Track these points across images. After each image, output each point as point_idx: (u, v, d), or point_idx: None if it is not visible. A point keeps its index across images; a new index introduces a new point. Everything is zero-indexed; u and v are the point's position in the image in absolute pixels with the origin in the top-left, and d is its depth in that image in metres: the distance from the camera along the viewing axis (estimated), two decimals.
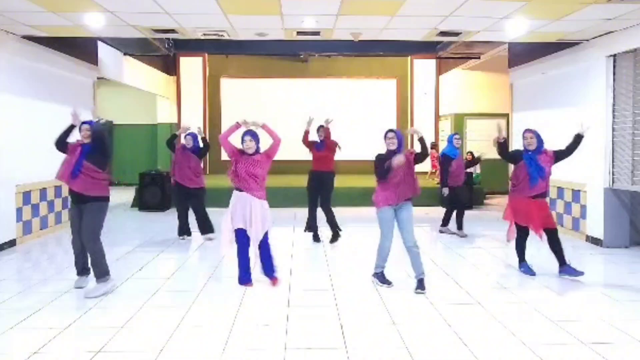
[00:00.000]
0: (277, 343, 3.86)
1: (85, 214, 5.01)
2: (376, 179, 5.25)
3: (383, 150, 5.27)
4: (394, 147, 5.15)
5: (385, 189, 5.16)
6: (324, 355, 3.67)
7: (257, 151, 5.28)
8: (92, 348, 3.74)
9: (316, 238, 7.68)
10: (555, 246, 5.70)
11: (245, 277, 5.32)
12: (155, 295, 5.03)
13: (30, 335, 4.00)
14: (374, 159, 5.28)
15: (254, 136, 5.27)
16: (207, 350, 3.73)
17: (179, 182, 7.67)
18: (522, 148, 5.91)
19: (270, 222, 5.38)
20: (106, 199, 5.15)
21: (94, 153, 5.07)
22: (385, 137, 5.26)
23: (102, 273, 5.06)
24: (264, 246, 5.34)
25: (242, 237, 5.23)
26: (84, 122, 5.18)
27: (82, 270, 5.24)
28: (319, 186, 7.48)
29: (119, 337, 3.96)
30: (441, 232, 8.35)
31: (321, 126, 7.51)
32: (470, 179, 8.21)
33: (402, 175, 5.10)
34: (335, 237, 7.62)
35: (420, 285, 5.15)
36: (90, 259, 5.09)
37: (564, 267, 5.68)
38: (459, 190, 8.10)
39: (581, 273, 5.59)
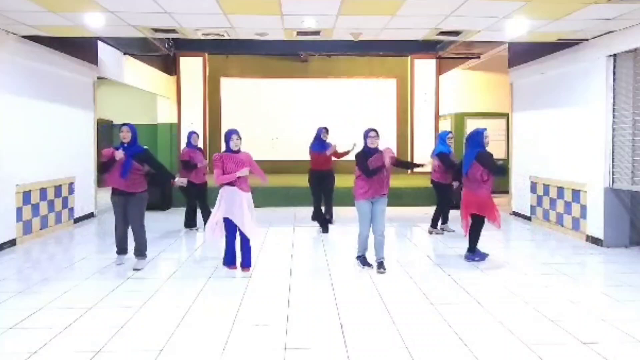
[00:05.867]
0: (277, 343, 3.86)
1: (132, 206, 5.91)
2: (360, 173, 5.79)
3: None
4: (374, 145, 5.78)
5: (364, 185, 5.78)
6: (324, 355, 3.67)
7: (239, 150, 5.78)
8: (92, 348, 3.74)
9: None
10: (479, 231, 6.42)
11: (230, 260, 5.93)
12: (156, 295, 5.03)
13: (30, 335, 4.00)
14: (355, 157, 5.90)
15: (240, 135, 5.79)
16: (207, 350, 3.73)
17: (193, 181, 7.97)
18: (472, 147, 6.30)
19: (253, 212, 5.81)
20: (146, 191, 6.06)
21: (140, 156, 5.89)
22: (367, 135, 5.82)
23: (143, 252, 6.14)
24: (245, 237, 5.76)
25: (230, 226, 5.75)
26: (124, 124, 5.96)
27: (122, 250, 6.19)
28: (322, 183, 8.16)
29: (119, 337, 3.96)
30: (437, 233, 8.31)
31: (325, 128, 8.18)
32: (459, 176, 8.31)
33: (379, 176, 5.73)
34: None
35: (381, 265, 5.88)
36: (138, 242, 6.07)
37: (474, 254, 6.43)
38: (448, 187, 8.12)
39: (484, 258, 6.42)
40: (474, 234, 6.43)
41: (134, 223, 6.00)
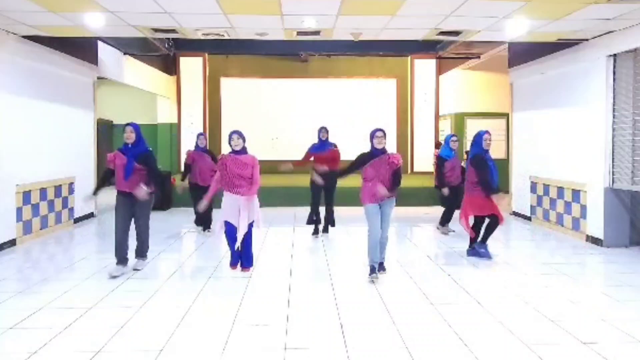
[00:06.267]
0: (277, 343, 3.86)
1: (138, 207, 5.79)
2: (366, 176, 5.61)
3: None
4: (381, 146, 5.58)
5: (368, 189, 5.60)
6: (324, 355, 3.67)
7: (243, 151, 5.68)
8: (92, 348, 3.74)
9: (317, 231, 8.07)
10: (492, 228, 6.50)
11: (234, 261, 5.95)
12: (156, 295, 5.03)
13: (30, 335, 4.00)
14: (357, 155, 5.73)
15: (241, 135, 5.70)
16: (207, 350, 3.73)
17: (199, 183, 7.91)
18: (462, 149, 6.41)
19: (258, 214, 5.78)
20: (153, 193, 5.91)
21: (141, 157, 5.73)
22: (373, 135, 5.62)
23: (145, 253, 6.11)
24: (247, 239, 5.79)
25: (230, 229, 5.73)
26: (128, 124, 5.80)
27: (122, 260, 5.86)
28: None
29: (119, 337, 3.96)
30: (443, 232, 8.37)
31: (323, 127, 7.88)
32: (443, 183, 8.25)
33: (382, 178, 5.53)
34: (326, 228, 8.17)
35: (381, 266, 5.80)
36: (141, 242, 6.00)
37: (483, 245, 6.55)
38: (455, 190, 7.96)
39: (489, 257, 6.50)
40: (488, 230, 6.56)
41: (140, 223, 5.93)
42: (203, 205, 6.05)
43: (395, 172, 5.59)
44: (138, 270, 5.91)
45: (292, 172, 8.13)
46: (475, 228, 6.63)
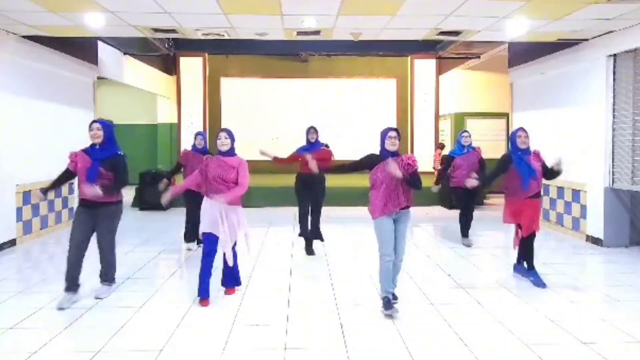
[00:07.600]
0: (277, 343, 3.86)
1: (100, 220, 4.79)
2: (374, 183, 4.64)
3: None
4: (394, 148, 4.58)
5: (380, 198, 4.55)
6: (324, 355, 3.67)
7: (230, 153, 4.82)
8: (92, 348, 3.74)
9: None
10: (528, 249, 5.59)
11: (203, 291, 4.71)
12: (155, 295, 5.03)
13: (30, 335, 4.00)
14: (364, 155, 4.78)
15: (230, 134, 4.84)
16: (207, 350, 3.73)
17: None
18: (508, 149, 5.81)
19: (245, 227, 4.92)
20: (121, 202, 4.98)
21: (109, 161, 4.76)
22: (385, 135, 4.61)
23: (112, 276, 5.09)
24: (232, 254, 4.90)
25: (208, 244, 4.73)
26: (94, 121, 4.83)
27: (72, 285, 4.72)
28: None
29: (119, 337, 3.96)
30: (465, 244, 7.43)
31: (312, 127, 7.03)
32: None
33: (397, 183, 4.52)
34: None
35: (392, 299, 4.60)
36: (105, 265, 5.00)
37: (532, 272, 5.55)
38: (464, 192, 7.11)
39: (543, 285, 5.36)
40: (521, 247, 5.70)
41: (102, 242, 4.86)
42: (161, 186, 5.51)
43: (412, 174, 4.55)
44: (101, 299, 4.85)
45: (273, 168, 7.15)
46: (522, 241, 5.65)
